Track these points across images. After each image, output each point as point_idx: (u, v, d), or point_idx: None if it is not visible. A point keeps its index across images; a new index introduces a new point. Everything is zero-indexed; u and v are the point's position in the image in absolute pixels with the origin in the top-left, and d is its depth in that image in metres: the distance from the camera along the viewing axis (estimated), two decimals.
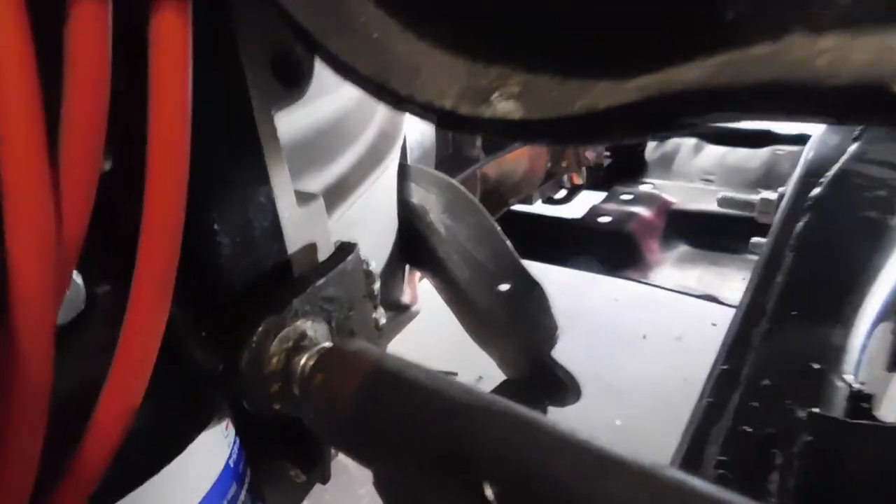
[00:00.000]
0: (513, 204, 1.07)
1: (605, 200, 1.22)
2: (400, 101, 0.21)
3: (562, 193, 1.24)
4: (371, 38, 0.23)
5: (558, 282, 0.81)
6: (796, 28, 0.14)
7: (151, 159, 0.22)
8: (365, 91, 0.22)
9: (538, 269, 0.83)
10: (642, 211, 1.16)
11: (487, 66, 0.21)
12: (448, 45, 0.22)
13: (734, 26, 0.14)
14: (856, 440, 0.32)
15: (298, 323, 0.29)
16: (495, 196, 0.97)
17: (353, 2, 0.23)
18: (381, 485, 0.25)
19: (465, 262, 0.46)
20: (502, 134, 0.20)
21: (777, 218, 0.53)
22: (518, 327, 0.41)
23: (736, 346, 0.40)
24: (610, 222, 1.14)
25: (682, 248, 1.15)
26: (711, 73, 0.15)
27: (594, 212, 1.18)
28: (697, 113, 0.15)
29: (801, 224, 0.51)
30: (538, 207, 1.17)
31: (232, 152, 0.28)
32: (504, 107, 0.20)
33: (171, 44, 0.21)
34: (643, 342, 0.88)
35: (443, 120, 0.20)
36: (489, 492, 0.20)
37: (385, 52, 0.22)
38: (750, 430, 0.34)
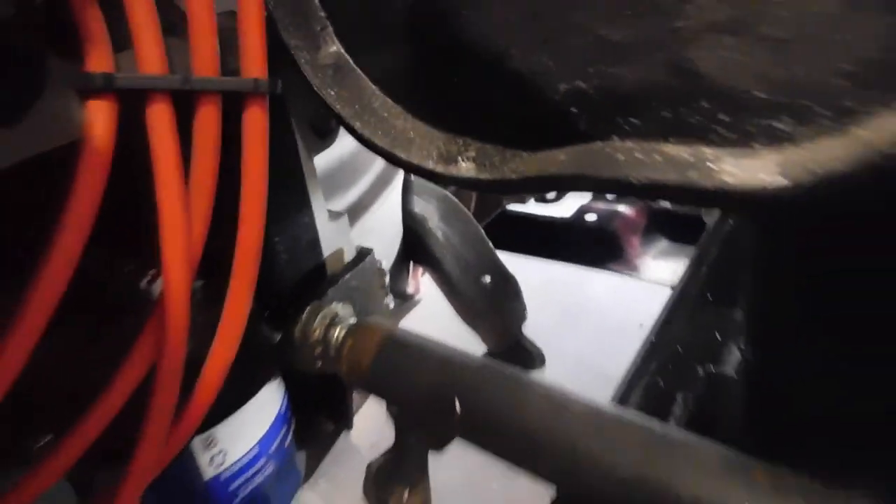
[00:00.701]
0: (508, 204, 1.19)
1: (592, 200, 1.33)
2: (401, 164, 0.33)
3: (553, 194, 1.36)
4: (381, 117, 0.35)
5: (559, 275, 0.91)
6: (614, 136, 0.26)
7: (244, 202, 0.34)
8: (378, 156, 0.34)
9: (540, 265, 0.93)
10: (626, 209, 1.27)
11: (455, 136, 0.33)
12: (430, 120, 0.34)
13: (583, 133, 0.26)
14: (734, 392, 0.44)
15: (332, 306, 0.41)
16: (492, 197, 1.08)
17: (369, 91, 0.35)
18: (391, 411, 0.37)
19: (456, 260, 0.58)
20: (465, 187, 0.32)
21: (715, 216, 0.65)
22: (496, 311, 0.53)
23: (664, 323, 0.52)
24: (596, 220, 1.26)
25: (662, 243, 1.26)
26: (571, 161, 0.26)
27: (582, 210, 1.29)
28: (569, 186, 0.27)
29: (730, 222, 0.62)
30: (531, 207, 1.28)
31: (285, 188, 0.40)
32: (466, 167, 0.32)
33: (258, 127, 0.33)
34: (640, 330, 0.98)
35: (427, 176, 0.32)
36: (458, 405, 0.32)
37: (391, 127, 0.34)
38: (662, 383, 0.46)
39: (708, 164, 0.22)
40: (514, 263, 0.62)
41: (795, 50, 0.20)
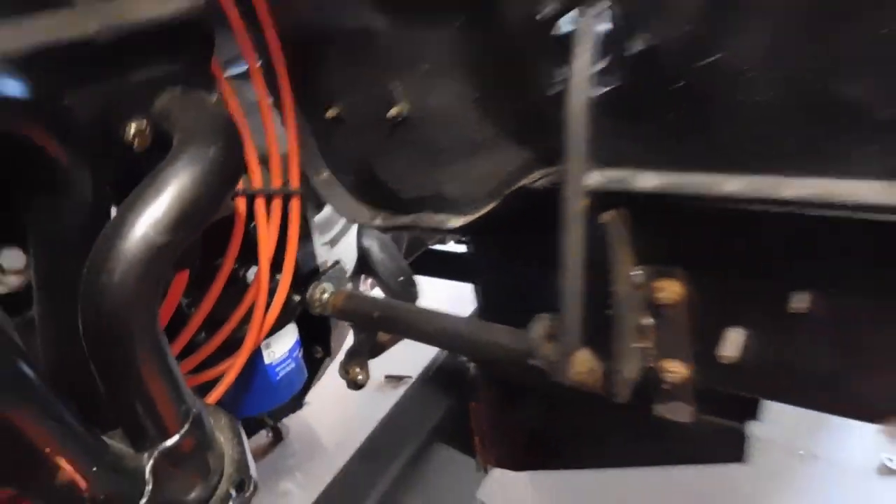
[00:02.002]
0: (431, 245, 1.69)
1: None
2: (361, 222, 0.82)
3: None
4: (347, 201, 0.84)
5: (450, 286, 1.41)
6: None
7: (289, 246, 0.83)
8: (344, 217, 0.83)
9: (440, 282, 1.44)
10: None
11: (394, 213, 0.82)
12: (370, 204, 0.83)
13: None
14: None
15: (322, 284, 0.90)
16: (418, 240, 1.59)
17: (341, 192, 0.85)
18: (353, 329, 0.86)
19: (386, 270, 1.08)
20: (392, 231, 0.82)
21: None
22: (404, 294, 1.02)
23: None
24: None
25: None
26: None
27: None
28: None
29: None
30: (450, 247, 1.79)
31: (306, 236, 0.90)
32: (380, 222, 0.82)
33: (296, 211, 0.82)
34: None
35: (376, 228, 0.82)
36: (376, 314, 0.81)
37: (352, 206, 0.83)
38: None
39: None
40: (425, 280, 1.12)
41: None
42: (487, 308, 0.77)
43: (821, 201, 0.45)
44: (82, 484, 0.52)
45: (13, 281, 0.56)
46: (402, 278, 1.04)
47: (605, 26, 0.49)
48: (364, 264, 1.08)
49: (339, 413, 1.14)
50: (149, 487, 0.56)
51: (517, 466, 0.86)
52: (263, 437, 1.96)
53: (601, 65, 0.50)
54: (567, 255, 0.51)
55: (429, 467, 0.86)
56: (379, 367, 0.90)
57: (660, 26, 0.47)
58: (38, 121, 0.49)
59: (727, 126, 0.48)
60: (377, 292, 1.12)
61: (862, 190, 0.43)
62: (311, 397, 1.08)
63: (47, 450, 0.49)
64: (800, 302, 0.51)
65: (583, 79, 0.49)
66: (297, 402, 1.11)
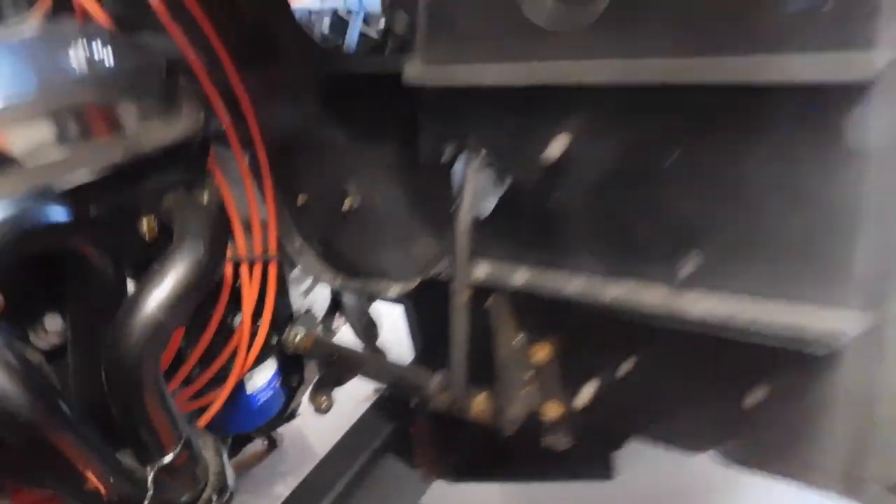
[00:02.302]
0: None
1: None
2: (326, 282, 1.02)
3: None
4: (316, 267, 1.04)
5: None
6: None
7: (269, 293, 1.02)
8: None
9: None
10: None
11: (349, 277, 1.02)
12: (331, 268, 1.03)
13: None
14: None
15: (297, 329, 1.09)
16: None
17: (312, 257, 1.04)
18: (319, 366, 1.05)
19: (354, 313, 1.27)
20: (339, 290, 1.01)
21: None
22: (368, 334, 1.22)
23: None
24: None
25: None
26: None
27: None
28: None
29: None
30: None
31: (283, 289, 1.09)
32: (349, 285, 1.01)
33: (275, 273, 1.02)
34: None
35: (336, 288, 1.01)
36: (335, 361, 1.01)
37: (321, 271, 1.03)
38: None
39: None
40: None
41: None
42: (419, 351, 0.97)
43: (626, 304, 0.64)
44: (103, 489, 0.71)
45: (53, 339, 0.76)
46: (365, 319, 1.23)
47: (483, 170, 0.69)
48: (336, 306, 1.28)
49: (330, 422, 1.33)
50: (150, 492, 0.75)
51: (451, 479, 1.05)
52: (259, 444, 2.15)
53: (483, 195, 0.70)
54: (455, 334, 0.70)
55: (380, 477, 1.06)
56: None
57: (518, 172, 0.67)
58: (73, 233, 0.69)
59: (569, 241, 0.68)
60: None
61: (648, 297, 0.63)
62: (304, 408, 1.26)
63: (79, 463, 0.68)
64: (627, 365, 0.71)
65: (467, 206, 0.69)
66: (290, 414, 1.30)
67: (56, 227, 0.66)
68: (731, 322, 0.59)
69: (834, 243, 0.53)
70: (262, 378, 1.09)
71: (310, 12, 3.25)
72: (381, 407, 1.12)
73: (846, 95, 0.48)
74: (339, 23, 3.14)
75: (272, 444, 2.22)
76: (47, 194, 0.67)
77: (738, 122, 0.54)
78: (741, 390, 0.62)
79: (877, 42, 0.46)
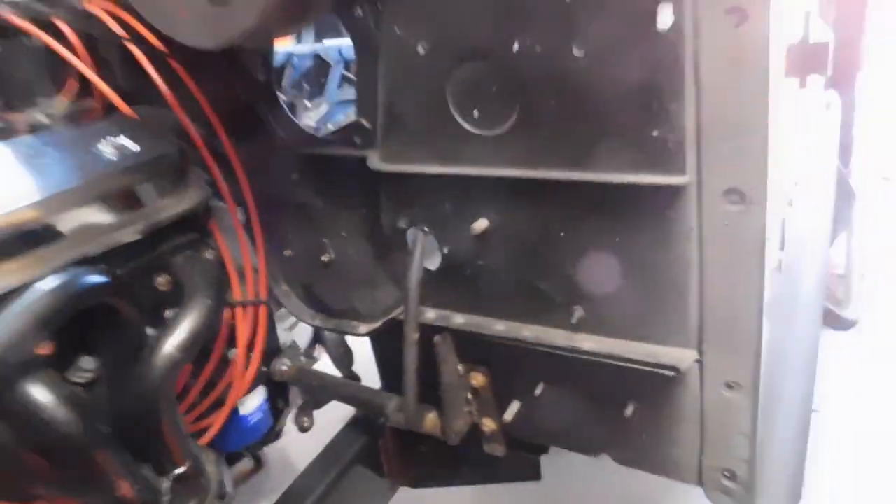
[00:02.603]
0: None
1: None
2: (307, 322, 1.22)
3: None
4: (300, 308, 1.24)
5: None
6: None
7: (258, 333, 1.22)
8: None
9: None
10: None
11: (326, 317, 1.21)
12: (312, 308, 1.22)
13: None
14: None
15: (284, 360, 1.29)
16: None
17: (296, 300, 1.24)
18: (301, 395, 1.25)
19: (332, 344, 1.47)
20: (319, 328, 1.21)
21: None
22: (344, 361, 1.41)
23: None
24: None
25: None
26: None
27: None
28: None
29: None
30: None
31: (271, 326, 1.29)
32: (327, 323, 1.21)
33: (264, 317, 1.22)
34: None
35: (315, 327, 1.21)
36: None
37: (303, 311, 1.22)
38: None
39: None
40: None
41: None
42: (383, 379, 1.17)
43: (537, 341, 0.85)
44: (129, 495, 0.90)
45: (89, 375, 0.94)
46: (342, 349, 1.43)
47: (428, 239, 0.89)
48: (317, 338, 1.47)
49: (312, 443, 1.50)
50: (167, 498, 0.94)
51: (413, 485, 1.25)
52: (247, 463, 2.33)
53: (429, 257, 0.90)
54: (407, 364, 0.91)
55: (353, 485, 1.25)
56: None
57: (453, 241, 0.88)
58: (108, 292, 0.88)
59: (494, 293, 0.89)
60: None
61: (552, 337, 0.84)
62: (288, 429, 1.44)
63: (112, 474, 0.87)
64: (539, 388, 0.91)
65: (416, 266, 0.89)
66: (275, 435, 1.48)
67: (95, 289, 0.85)
68: (610, 354, 0.80)
69: (675, 302, 0.74)
70: (254, 403, 1.28)
71: (290, 54, 3.46)
72: (354, 426, 1.32)
73: (671, 193, 0.70)
74: (322, 64, 3.36)
75: (258, 464, 2.40)
76: (87, 262, 0.86)
77: (603, 213, 0.75)
78: (621, 405, 0.83)
79: (686, 168, 0.67)
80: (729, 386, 0.75)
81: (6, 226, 0.81)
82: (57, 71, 1.18)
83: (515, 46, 0.72)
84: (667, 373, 0.75)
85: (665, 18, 0.62)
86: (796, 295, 0.95)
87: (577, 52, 0.69)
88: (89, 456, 0.83)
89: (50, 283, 0.80)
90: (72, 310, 0.81)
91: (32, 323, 0.78)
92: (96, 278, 0.84)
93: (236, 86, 1.06)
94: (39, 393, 0.78)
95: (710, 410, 0.77)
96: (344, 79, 3.36)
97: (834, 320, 2.34)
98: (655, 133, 0.66)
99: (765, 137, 0.62)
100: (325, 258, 1.10)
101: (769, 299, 0.69)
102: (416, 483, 1.27)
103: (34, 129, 1.13)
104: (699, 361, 0.75)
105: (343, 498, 1.26)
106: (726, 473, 0.80)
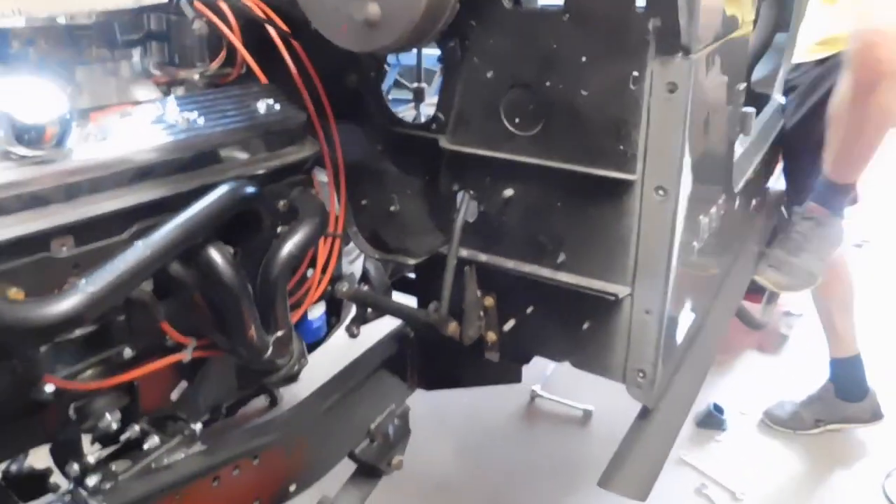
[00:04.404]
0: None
1: None
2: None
3: None
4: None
5: None
6: None
7: None
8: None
9: None
10: None
11: (385, 252, 1.67)
12: (373, 245, 1.67)
13: None
14: None
15: (344, 282, 1.73)
16: (396, 268, 2.43)
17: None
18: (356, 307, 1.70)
19: (376, 282, 1.92)
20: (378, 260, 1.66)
21: None
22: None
23: None
24: None
25: None
26: None
27: None
28: None
29: None
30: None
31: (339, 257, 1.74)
32: (386, 256, 1.66)
33: (337, 245, 1.67)
34: None
35: (375, 259, 1.66)
36: None
37: (366, 247, 1.67)
38: None
39: None
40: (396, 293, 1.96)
41: None
42: (420, 299, 1.62)
43: (532, 273, 1.30)
44: (253, 338, 1.33)
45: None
46: (383, 287, 1.87)
47: (472, 200, 1.35)
48: (365, 277, 1.92)
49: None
50: (269, 351, 1.38)
51: (426, 388, 1.69)
52: (262, 400, 2.78)
53: (470, 212, 1.36)
54: (445, 284, 1.35)
55: (378, 383, 1.70)
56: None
57: (488, 204, 1.33)
58: (257, 201, 1.33)
59: (508, 241, 1.34)
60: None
61: (543, 271, 1.29)
62: (303, 374, 1.85)
63: (246, 319, 1.30)
64: (530, 310, 1.36)
65: (461, 217, 1.34)
66: (292, 376, 1.88)
67: (252, 195, 1.29)
68: (579, 285, 1.24)
69: (621, 254, 1.19)
70: (317, 312, 1.72)
71: None
72: (386, 341, 1.76)
73: (626, 185, 1.15)
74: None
75: (273, 401, 2.84)
76: (248, 179, 1.31)
77: (585, 193, 1.20)
78: (581, 322, 1.28)
79: (636, 170, 1.12)
80: (646, 311, 1.20)
81: (197, 146, 1.25)
82: (213, 43, 1.61)
83: (548, 83, 1.18)
84: (611, 298, 1.20)
85: (634, 82, 1.08)
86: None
87: (583, 92, 1.14)
88: (237, 301, 1.27)
89: (228, 186, 1.25)
90: (239, 206, 1.26)
91: (217, 209, 1.22)
92: (253, 188, 1.29)
93: (351, 75, 1.51)
94: (216, 254, 1.23)
95: (634, 328, 1.22)
96: (395, 82, 3.83)
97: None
98: (621, 147, 1.12)
99: (680, 158, 1.07)
100: (392, 209, 1.55)
101: (674, 258, 1.14)
102: (430, 386, 1.72)
103: (188, 85, 1.59)
104: (630, 294, 1.20)
105: (371, 392, 1.71)
106: (640, 373, 1.24)
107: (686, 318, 1.37)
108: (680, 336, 1.34)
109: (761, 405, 2.75)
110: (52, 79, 1.23)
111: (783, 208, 2.26)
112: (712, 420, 2.67)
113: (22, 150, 0.98)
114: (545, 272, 1.29)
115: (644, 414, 1.32)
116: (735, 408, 2.75)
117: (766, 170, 2.04)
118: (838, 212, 1.98)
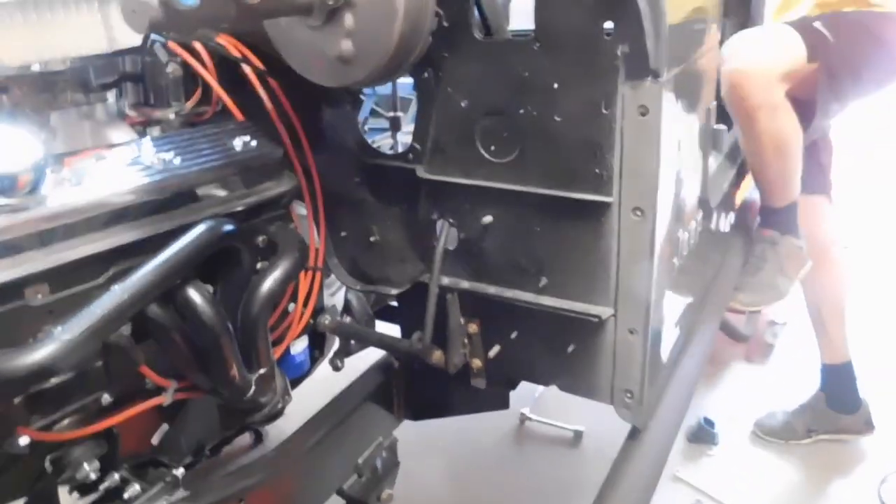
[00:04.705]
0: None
1: None
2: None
3: None
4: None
5: None
6: None
7: None
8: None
9: None
10: None
11: (365, 283, 1.66)
12: (354, 277, 1.66)
13: None
14: None
15: (326, 315, 1.72)
16: (377, 299, 2.42)
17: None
18: (339, 340, 1.68)
19: (358, 313, 1.90)
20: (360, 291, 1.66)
21: None
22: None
23: None
24: None
25: None
26: None
27: None
28: None
29: None
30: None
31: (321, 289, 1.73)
32: (366, 287, 1.65)
33: (318, 279, 1.66)
34: None
35: (357, 290, 1.65)
36: None
37: (347, 279, 1.66)
38: None
39: None
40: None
41: None
42: (403, 330, 1.61)
43: (514, 299, 1.30)
44: (235, 377, 1.31)
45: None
46: (366, 317, 1.86)
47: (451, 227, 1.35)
48: (347, 308, 1.91)
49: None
50: (252, 390, 1.36)
51: (413, 419, 1.68)
52: (247, 437, 2.74)
53: (450, 239, 1.35)
54: (428, 312, 1.35)
55: (364, 416, 1.68)
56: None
57: (466, 229, 1.33)
58: (235, 238, 1.32)
59: (489, 266, 1.33)
60: None
61: (525, 296, 1.29)
62: (288, 409, 1.82)
63: (228, 360, 1.29)
64: (514, 335, 1.36)
65: (441, 246, 1.34)
66: (276, 414, 1.85)
67: (232, 233, 1.28)
68: (561, 308, 1.25)
69: (602, 276, 1.20)
70: (300, 346, 1.71)
71: None
72: (370, 372, 1.75)
73: (603, 207, 1.15)
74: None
75: (258, 438, 2.81)
76: (226, 216, 1.31)
77: (562, 216, 1.21)
78: (565, 345, 1.28)
79: (612, 192, 1.13)
80: (631, 331, 1.20)
81: (173, 186, 1.25)
82: (188, 81, 1.62)
83: (521, 110, 1.19)
84: (594, 320, 1.20)
85: (606, 106, 1.09)
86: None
87: (557, 118, 1.16)
88: (218, 341, 1.26)
89: (205, 224, 1.24)
90: (218, 244, 1.25)
91: (195, 248, 1.21)
92: (231, 226, 1.29)
93: (326, 108, 1.52)
94: (195, 294, 1.21)
95: (619, 348, 1.22)
96: (372, 111, 3.84)
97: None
98: (597, 170, 1.13)
99: (656, 179, 1.08)
100: (372, 239, 1.55)
101: (655, 277, 1.15)
102: (416, 416, 1.70)
103: (164, 125, 1.58)
104: (614, 315, 1.20)
105: (357, 426, 1.69)
106: (627, 393, 1.24)
107: (671, 335, 1.37)
108: (666, 353, 1.34)
109: (752, 416, 2.75)
110: (26, 125, 1.23)
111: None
112: (704, 434, 2.67)
113: None
114: (528, 297, 1.29)
115: (634, 434, 1.32)
116: (726, 420, 2.75)
117: (738, 182, 2.07)
118: (790, 231, 2.02)
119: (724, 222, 1.86)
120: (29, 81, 1.22)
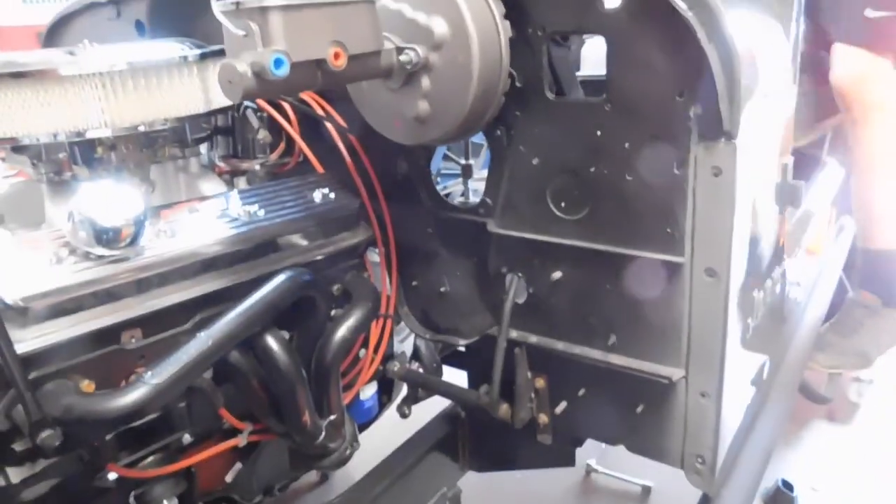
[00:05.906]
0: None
1: None
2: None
3: None
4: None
5: None
6: None
7: None
8: None
9: None
10: None
11: (435, 333, 1.69)
12: (424, 326, 1.69)
13: None
14: None
15: (395, 362, 1.75)
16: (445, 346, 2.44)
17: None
18: (407, 387, 1.71)
19: (427, 359, 1.93)
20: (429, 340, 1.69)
21: None
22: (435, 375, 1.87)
23: None
24: None
25: None
26: None
27: None
28: None
29: None
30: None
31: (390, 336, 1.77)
32: (435, 337, 1.68)
33: (389, 326, 1.70)
34: None
35: (425, 339, 1.68)
36: None
37: (417, 327, 1.69)
38: None
39: None
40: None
41: None
42: (471, 380, 1.62)
43: (583, 356, 1.30)
44: (308, 424, 1.36)
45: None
46: (434, 364, 1.88)
47: (521, 281, 1.36)
48: (416, 355, 1.93)
49: (371, 461, 1.92)
50: (322, 435, 1.40)
51: (478, 470, 1.67)
52: (314, 475, 2.78)
53: (519, 293, 1.37)
54: (496, 366, 1.36)
55: (430, 465, 1.69)
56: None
57: (535, 284, 1.35)
58: (313, 288, 1.37)
59: (558, 322, 1.34)
60: None
61: (594, 353, 1.28)
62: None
63: (301, 405, 1.33)
64: (582, 392, 1.35)
65: (510, 300, 1.36)
66: (344, 459, 1.84)
67: (309, 283, 1.34)
68: (631, 368, 1.23)
69: (673, 337, 1.18)
70: (369, 391, 1.74)
71: None
72: (436, 421, 1.76)
73: (675, 267, 1.15)
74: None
75: (323, 477, 2.85)
76: (305, 265, 1.37)
77: (633, 275, 1.20)
78: (634, 405, 1.26)
79: (685, 252, 1.13)
80: (702, 395, 1.17)
81: (257, 238, 1.32)
82: (273, 134, 1.71)
83: (592, 169, 1.20)
84: (664, 381, 1.19)
85: (678, 167, 1.10)
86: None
87: (628, 177, 1.16)
88: (292, 387, 1.30)
89: (286, 275, 1.30)
90: (297, 293, 1.30)
91: (275, 298, 1.27)
92: (309, 276, 1.34)
93: (402, 163, 1.57)
94: (273, 342, 1.27)
95: (690, 412, 1.19)
96: (444, 156, 3.93)
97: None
98: (668, 230, 1.13)
99: (729, 240, 1.07)
100: (442, 289, 1.58)
101: (729, 340, 1.12)
102: (481, 468, 1.70)
103: (250, 175, 1.68)
104: (685, 377, 1.18)
105: (422, 475, 1.70)
106: (699, 458, 1.21)
107: (746, 395, 1.33)
108: (741, 415, 1.30)
109: (834, 480, 2.60)
110: (129, 180, 1.33)
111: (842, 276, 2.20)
112: (782, 498, 2.53)
113: (100, 251, 1.06)
114: (596, 354, 1.28)
115: (706, 502, 1.28)
116: (806, 483, 2.60)
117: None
118: (892, 302, 1.90)
119: (804, 276, 1.80)
120: (134, 139, 1.33)
